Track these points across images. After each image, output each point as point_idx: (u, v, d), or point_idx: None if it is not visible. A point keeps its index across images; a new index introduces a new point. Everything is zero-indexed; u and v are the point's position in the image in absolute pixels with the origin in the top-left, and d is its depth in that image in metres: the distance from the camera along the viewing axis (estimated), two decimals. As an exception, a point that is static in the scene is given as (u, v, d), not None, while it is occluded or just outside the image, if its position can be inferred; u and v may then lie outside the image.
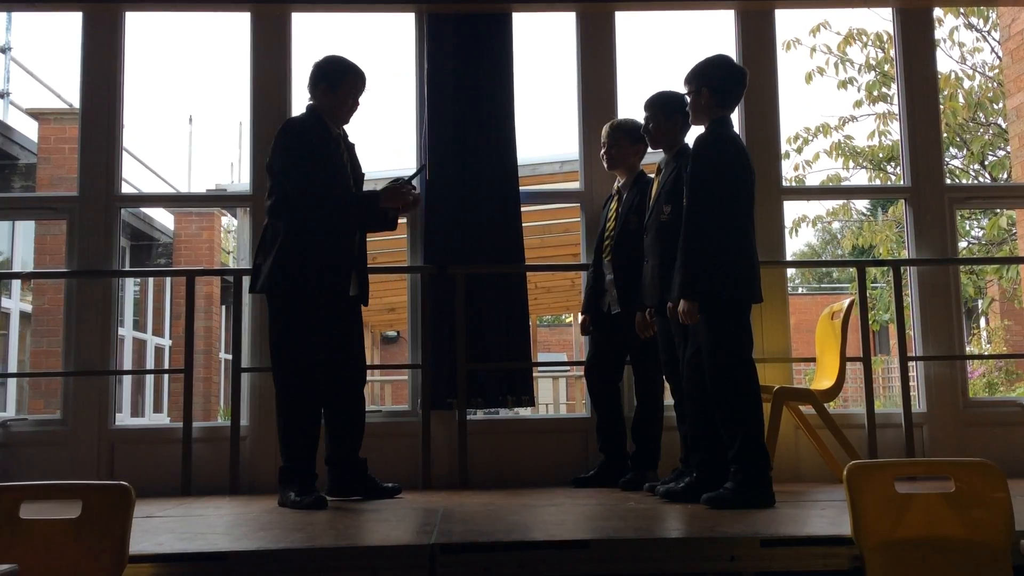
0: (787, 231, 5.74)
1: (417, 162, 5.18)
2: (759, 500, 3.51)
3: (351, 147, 4.18)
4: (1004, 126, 10.24)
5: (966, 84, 10.66)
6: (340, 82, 4.03)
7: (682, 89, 3.92)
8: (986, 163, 10.90)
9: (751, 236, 3.71)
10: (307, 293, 3.90)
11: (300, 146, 3.91)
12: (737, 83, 3.83)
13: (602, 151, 4.63)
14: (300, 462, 3.89)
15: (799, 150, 11.36)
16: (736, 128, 5.29)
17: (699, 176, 3.70)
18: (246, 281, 5.06)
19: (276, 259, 3.89)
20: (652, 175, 4.33)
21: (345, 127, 4.17)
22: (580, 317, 4.89)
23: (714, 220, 3.63)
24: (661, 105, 4.17)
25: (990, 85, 10.85)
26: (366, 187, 4.27)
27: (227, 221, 15.86)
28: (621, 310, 4.46)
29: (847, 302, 4.66)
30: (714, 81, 3.78)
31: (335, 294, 4.00)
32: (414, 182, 4.16)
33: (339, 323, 4.05)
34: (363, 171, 4.25)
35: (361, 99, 4.15)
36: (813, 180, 11.48)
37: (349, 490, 4.06)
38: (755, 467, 3.55)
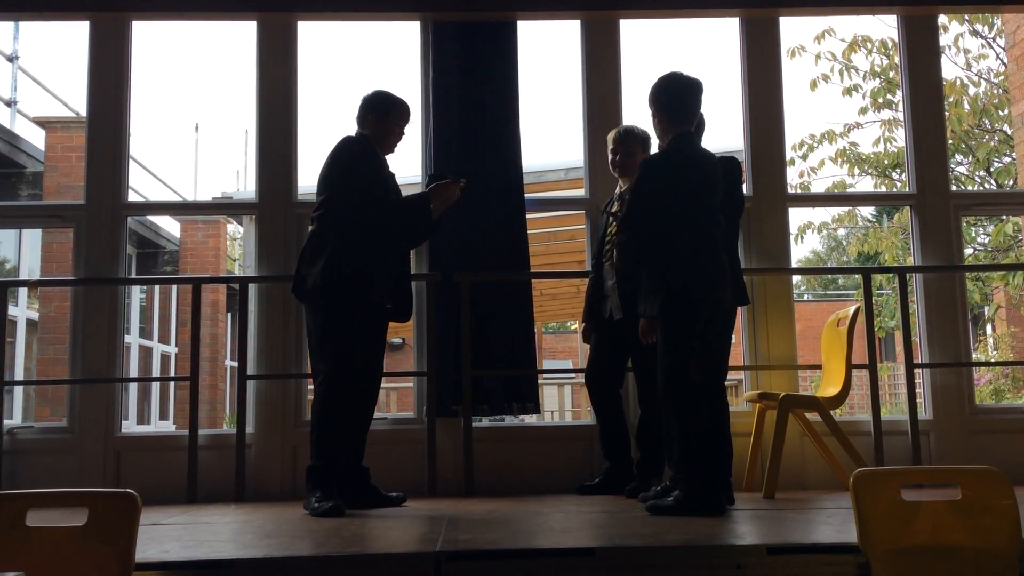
0: (792, 238, 5.73)
1: (422, 170, 5.20)
2: (704, 508, 3.51)
3: (392, 176, 4.34)
4: (1010, 133, 10.23)
5: (971, 91, 10.64)
6: (388, 112, 4.26)
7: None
8: (991, 170, 10.88)
9: (704, 246, 3.70)
10: (352, 299, 4.01)
11: (356, 160, 4.13)
12: (679, 96, 3.83)
13: (612, 158, 4.61)
14: (330, 463, 3.96)
15: (804, 157, 11.35)
16: (741, 136, 5.34)
17: (634, 196, 3.84)
18: (252, 289, 5.11)
19: (325, 266, 4.00)
20: None
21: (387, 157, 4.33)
22: (581, 325, 4.88)
23: (656, 237, 3.71)
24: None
25: (995, 92, 10.83)
26: None
27: (233, 229, 15.92)
28: (624, 316, 4.45)
29: (853, 309, 4.65)
30: (658, 101, 3.85)
31: (375, 304, 4.11)
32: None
33: (373, 333, 4.16)
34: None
35: (407, 129, 4.36)
36: (818, 187, 11.45)
37: (353, 500, 4.06)
38: (696, 475, 3.55)
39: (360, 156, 4.14)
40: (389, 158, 4.33)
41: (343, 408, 4.01)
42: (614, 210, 4.62)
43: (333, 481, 3.94)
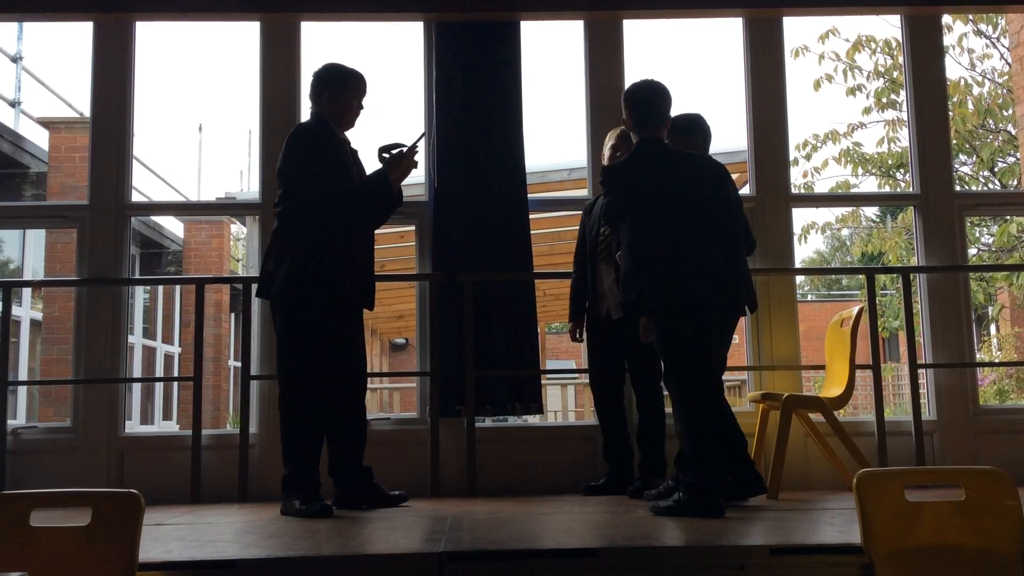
0: (796, 238, 5.74)
1: (426, 172, 5.19)
2: (705, 510, 3.52)
3: (354, 153, 4.22)
4: (1013, 133, 10.21)
5: (975, 91, 10.61)
6: (344, 87, 4.10)
7: (689, 104, 3.99)
8: (995, 170, 10.86)
9: (670, 245, 3.76)
10: (319, 299, 3.93)
11: (312, 149, 3.98)
12: (643, 102, 3.92)
13: (612, 154, 4.58)
14: (304, 469, 3.89)
15: (808, 157, 11.33)
16: (744, 135, 5.34)
17: (605, 205, 3.98)
18: (255, 289, 5.09)
19: (289, 265, 3.91)
20: None
21: (347, 133, 4.20)
22: (570, 324, 4.83)
23: (627, 239, 3.85)
24: (678, 129, 4.24)
25: (999, 92, 10.81)
26: None
27: (236, 229, 15.92)
28: (624, 315, 4.42)
29: (856, 309, 4.65)
30: (626, 107, 3.96)
31: (344, 299, 4.03)
32: (420, 145, 4.19)
33: (345, 329, 4.07)
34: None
35: (364, 102, 4.19)
36: (822, 187, 11.42)
37: (355, 500, 4.06)
38: (700, 476, 3.57)
39: (313, 145, 3.97)
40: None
41: (308, 413, 3.93)
42: None
43: (312, 486, 3.86)
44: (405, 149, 4.11)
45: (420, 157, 4.24)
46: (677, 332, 3.72)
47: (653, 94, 3.94)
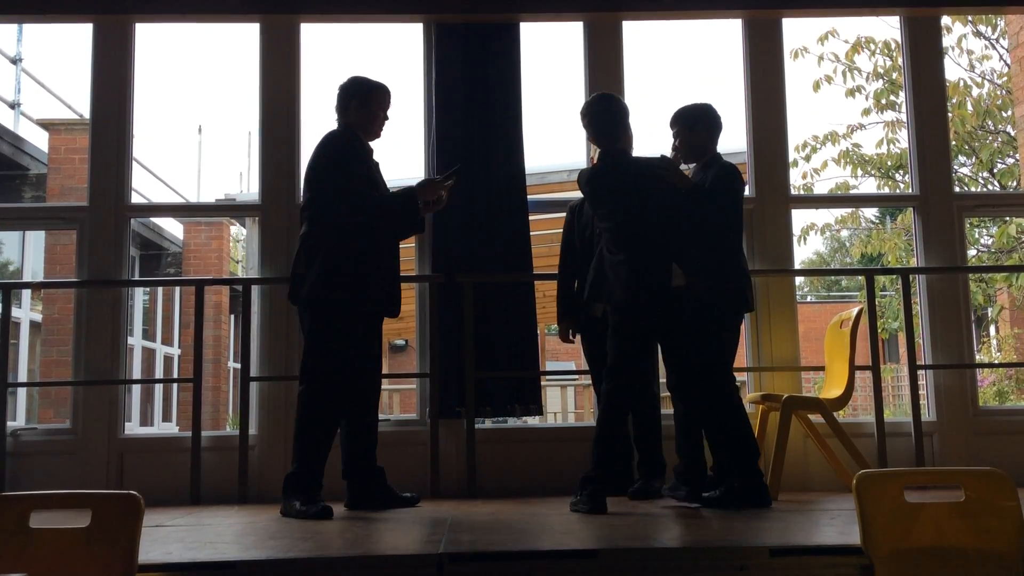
0: (795, 239, 5.74)
1: (426, 172, 5.18)
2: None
3: (376, 164, 4.27)
4: (1013, 134, 10.22)
5: (974, 92, 10.62)
6: (370, 97, 4.18)
7: (691, 98, 4.02)
8: (995, 171, 10.86)
9: (615, 253, 3.94)
10: (346, 303, 3.97)
11: (342, 156, 4.04)
12: (598, 116, 4.13)
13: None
14: (309, 470, 3.92)
15: (807, 158, 11.34)
16: (743, 137, 5.36)
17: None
18: (255, 290, 5.11)
19: (320, 272, 3.94)
20: None
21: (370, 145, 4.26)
22: (560, 325, 4.82)
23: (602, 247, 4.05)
24: (683, 121, 4.25)
25: (999, 93, 10.81)
26: None
27: (236, 231, 15.92)
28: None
29: (856, 310, 4.65)
30: (584, 123, 4.18)
31: (370, 304, 4.07)
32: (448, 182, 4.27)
33: (368, 333, 4.13)
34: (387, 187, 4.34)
35: (389, 113, 4.27)
36: (821, 188, 11.44)
37: (369, 501, 4.08)
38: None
39: (344, 152, 4.04)
40: (378, 151, 4.26)
41: (329, 415, 3.97)
42: None
43: (313, 488, 3.89)
44: (438, 179, 4.22)
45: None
46: (619, 336, 3.90)
47: (607, 107, 4.12)
